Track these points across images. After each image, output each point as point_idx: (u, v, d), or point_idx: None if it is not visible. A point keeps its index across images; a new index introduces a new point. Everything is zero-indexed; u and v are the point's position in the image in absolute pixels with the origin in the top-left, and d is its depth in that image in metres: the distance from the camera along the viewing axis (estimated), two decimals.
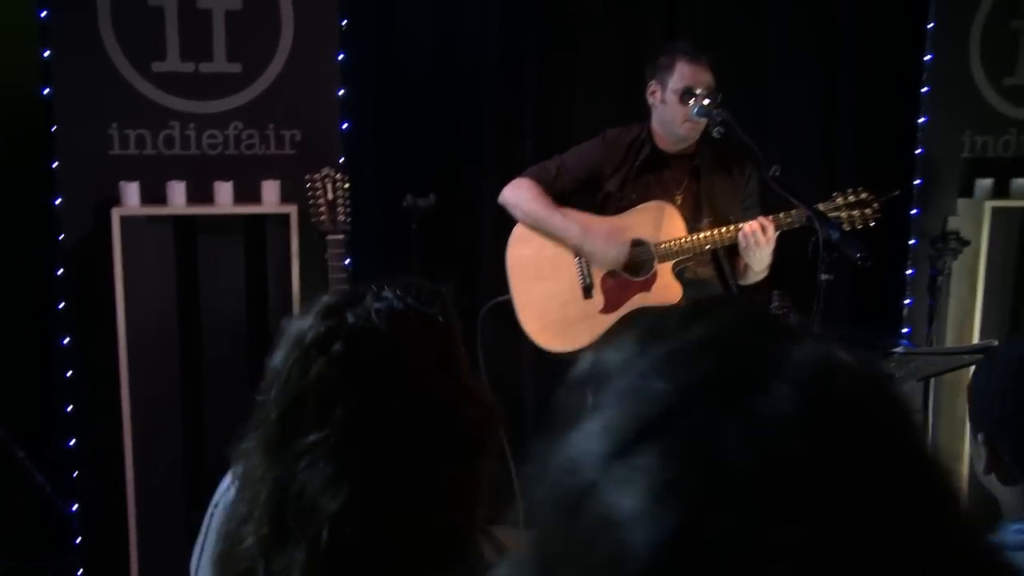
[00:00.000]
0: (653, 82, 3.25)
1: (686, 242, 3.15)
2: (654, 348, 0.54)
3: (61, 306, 3.21)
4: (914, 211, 3.74)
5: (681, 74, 3.13)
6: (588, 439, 0.52)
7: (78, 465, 3.26)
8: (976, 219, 3.66)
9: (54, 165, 3.18)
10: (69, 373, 3.21)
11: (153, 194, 3.17)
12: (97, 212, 3.17)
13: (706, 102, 3.08)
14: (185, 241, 3.23)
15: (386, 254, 3.69)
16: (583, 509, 0.50)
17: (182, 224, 3.22)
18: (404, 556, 1.12)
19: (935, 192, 3.76)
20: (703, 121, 3.10)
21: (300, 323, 1.21)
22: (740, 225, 3.05)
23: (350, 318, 1.17)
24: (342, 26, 3.32)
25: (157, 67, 3.18)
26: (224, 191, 3.19)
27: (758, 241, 2.97)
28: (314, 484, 1.11)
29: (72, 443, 3.23)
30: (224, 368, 3.27)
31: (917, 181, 3.74)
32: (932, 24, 3.70)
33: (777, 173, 2.62)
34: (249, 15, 3.20)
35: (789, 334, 0.54)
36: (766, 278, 3.25)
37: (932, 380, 3.49)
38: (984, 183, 3.71)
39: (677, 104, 3.14)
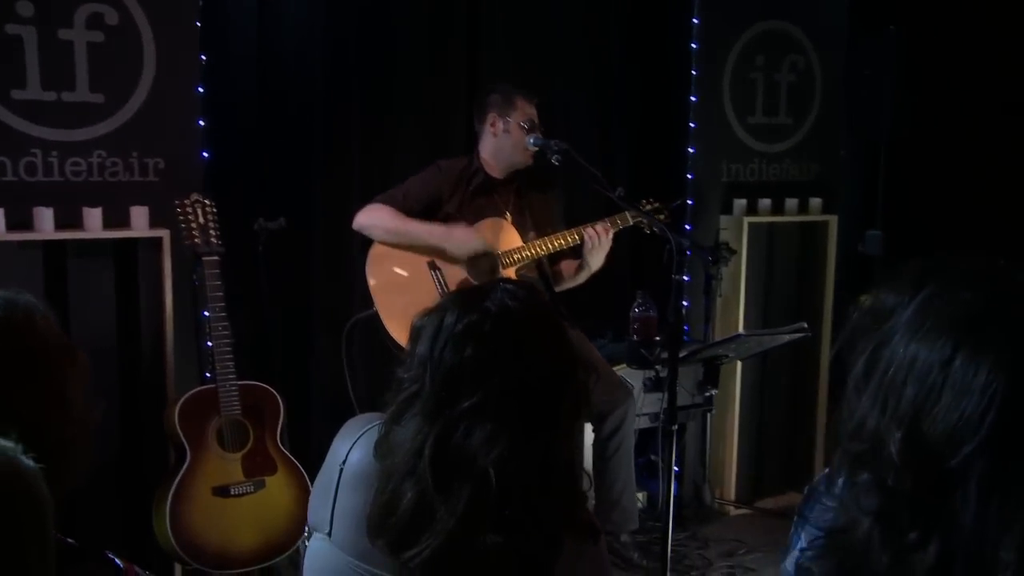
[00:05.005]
0: (492, 115, 3.73)
1: (532, 249, 3.63)
2: (932, 282, 0.88)
3: None
4: (688, 227, 4.46)
5: (523, 110, 3.66)
6: (926, 339, 0.84)
7: None
8: (737, 232, 4.45)
9: None
10: None
11: (18, 220, 3.20)
12: None
13: (538, 135, 3.62)
14: (55, 266, 3.26)
15: (230, 275, 3.84)
16: (946, 379, 0.82)
17: (51, 249, 3.25)
18: (545, 487, 1.46)
19: (703, 210, 4.51)
20: (536, 149, 3.62)
21: (433, 319, 1.47)
22: (585, 229, 3.57)
23: (491, 307, 1.46)
24: (202, 60, 3.51)
25: (17, 95, 3.21)
26: (93, 217, 3.27)
27: (602, 242, 3.52)
28: (475, 438, 1.39)
29: None
30: (96, 389, 3.31)
31: (689, 201, 4.47)
32: (695, 71, 4.46)
33: (622, 193, 3.16)
34: (111, 47, 3.31)
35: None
36: (616, 280, 3.80)
37: None
38: (740, 202, 4.51)
39: (521, 134, 3.65)
